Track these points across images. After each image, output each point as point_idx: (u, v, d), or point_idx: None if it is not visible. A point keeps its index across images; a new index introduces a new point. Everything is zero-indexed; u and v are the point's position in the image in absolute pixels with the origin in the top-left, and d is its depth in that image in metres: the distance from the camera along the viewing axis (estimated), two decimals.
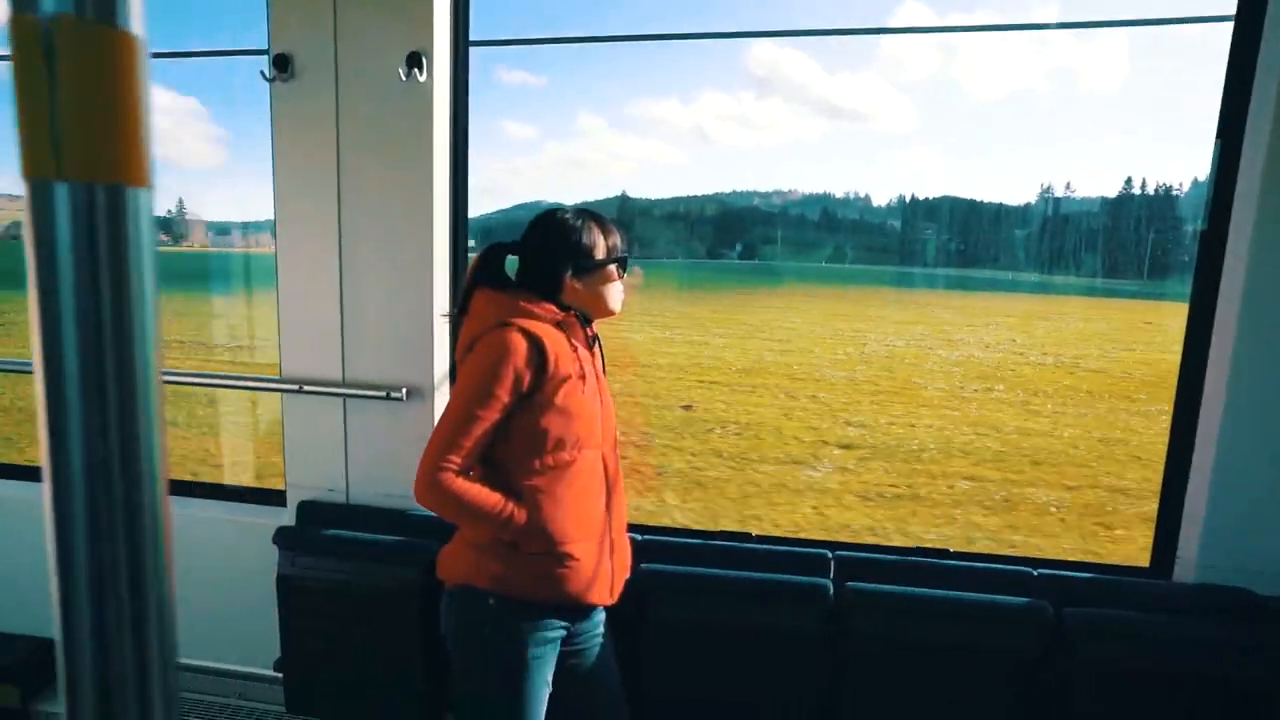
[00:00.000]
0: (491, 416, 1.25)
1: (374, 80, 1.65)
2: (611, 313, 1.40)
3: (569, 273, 1.34)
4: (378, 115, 1.67)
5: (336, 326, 1.75)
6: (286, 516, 1.82)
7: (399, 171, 1.68)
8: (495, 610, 1.29)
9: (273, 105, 1.70)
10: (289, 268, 1.75)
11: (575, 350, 1.33)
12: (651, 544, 1.71)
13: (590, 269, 1.35)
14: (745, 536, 1.75)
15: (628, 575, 1.47)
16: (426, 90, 1.64)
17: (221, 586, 1.88)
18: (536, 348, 1.26)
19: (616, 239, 1.39)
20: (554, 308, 1.33)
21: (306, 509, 1.79)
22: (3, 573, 2.03)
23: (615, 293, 1.39)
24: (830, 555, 1.66)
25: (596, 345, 1.42)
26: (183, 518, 1.90)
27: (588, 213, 1.39)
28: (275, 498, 1.93)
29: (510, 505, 1.27)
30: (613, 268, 1.37)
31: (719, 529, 1.82)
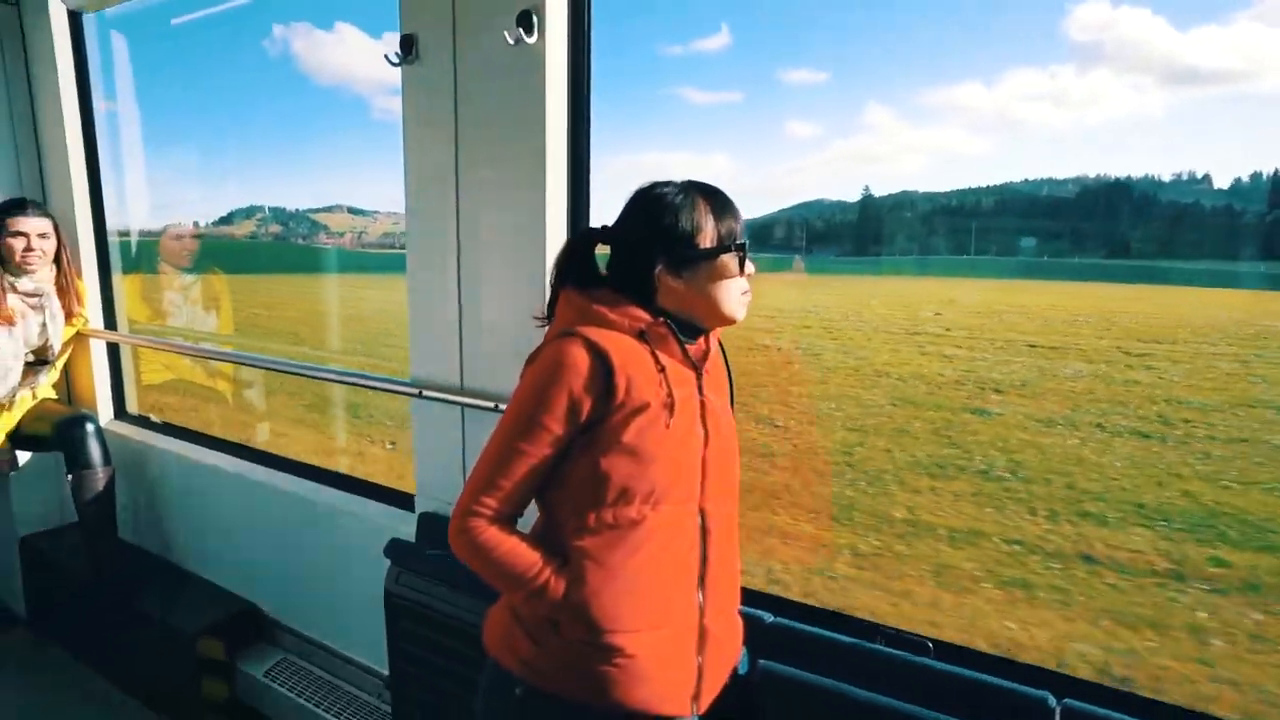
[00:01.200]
0: (539, 452, 0.96)
1: (488, 50, 1.46)
2: (728, 319, 1.03)
3: (661, 265, 1.00)
4: (489, 90, 1.47)
5: (455, 325, 1.61)
6: (412, 522, 1.75)
7: (511, 149, 1.47)
8: (521, 703, 0.99)
9: (403, 92, 1.61)
10: (416, 261, 1.65)
11: (662, 371, 0.98)
12: (784, 632, 1.27)
13: (692, 260, 0.99)
14: (923, 646, 1.22)
15: (728, 677, 1.07)
16: (537, 54, 1.40)
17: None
18: (601, 365, 0.94)
19: (734, 224, 1.01)
20: (641, 312, 0.99)
21: (425, 522, 1.69)
22: (230, 538, 2.30)
23: (731, 293, 1.01)
24: (1053, 703, 1.07)
25: (707, 363, 1.05)
26: (339, 508, 1.95)
27: (697, 187, 1.02)
28: (409, 501, 1.88)
29: (548, 571, 0.97)
30: (727, 259, 1.00)
31: (892, 625, 1.30)
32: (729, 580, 1.09)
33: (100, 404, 2.60)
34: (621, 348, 0.97)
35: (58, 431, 2.23)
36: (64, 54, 2.37)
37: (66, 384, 2.64)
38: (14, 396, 2.27)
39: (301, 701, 1.98)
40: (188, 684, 2.10)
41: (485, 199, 1.52)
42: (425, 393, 1.64)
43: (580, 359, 0.95)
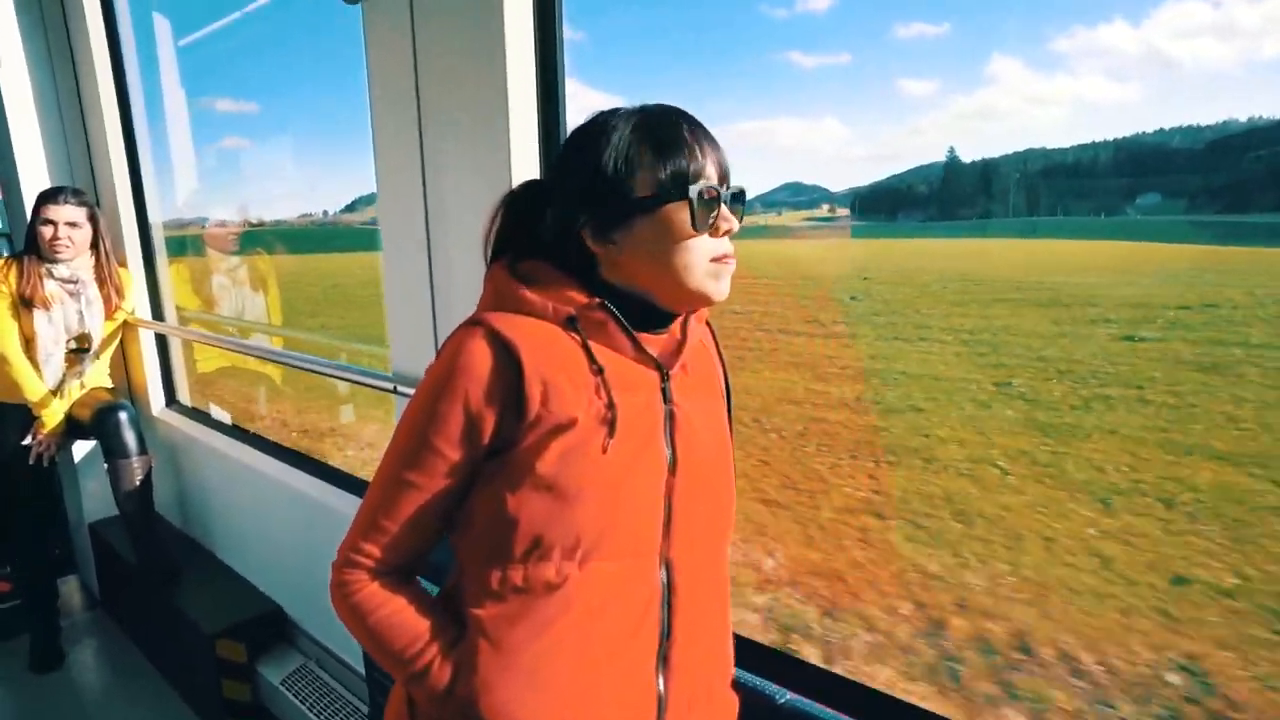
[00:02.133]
0: (431, 484, 0.71)
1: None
2: (695, 296, 0.72)
3: (586, 225, 0.72)
4: (449, 36, 1.21)
5: (428, 312, 1.38)
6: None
7: (473, 105, 1.20)
8: None
9: (365, 41, 1.38)
10: (391, 246, 1.43)
11: (599, 373, 0.70)
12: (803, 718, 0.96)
13: (623, 216, 0.70)
14: None
15: None
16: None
17: None
18: (507, 366, 0.68)
19: (691, 162, 0.70)
20: (575, 292, 0.72)
21: None
22: (263, 537, 2.23)
23: (692, 258, 0.71)
24: None
25: (682, 358, 0.76)
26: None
27: (641, 113, 0.72)
28: None
29: (434, 650, 0.72)
30: (672, 211, 0.69)
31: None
32: (711, 654, 0.80)
33: (151, 393, 2.62)
34: (538, 342, 0.70)
35: (95, 420, 2.23)
36: (98, 37, 2.35)
37: (125, 375, 2.69)
38: (62, 384, 2.30)
39: (313, 716, 1.87)
40: (212, 682, 2.05)
41: (447, 167, 1.26)
42: (400, 389, 1.43)
43: (479, 359, 0.68)
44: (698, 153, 0.70)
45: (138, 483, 2.23)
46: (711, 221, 0.71)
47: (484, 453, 0.70)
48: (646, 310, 0.74)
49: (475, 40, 1.17)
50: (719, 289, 0.72)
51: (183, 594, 2.22)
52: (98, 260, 2.34)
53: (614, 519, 0.69)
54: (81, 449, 2.60)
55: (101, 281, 2.34)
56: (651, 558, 0.72)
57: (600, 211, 0.71)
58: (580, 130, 0.74)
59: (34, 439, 2.21)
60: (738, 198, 0.75)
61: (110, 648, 2.53)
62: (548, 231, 0.76)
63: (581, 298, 0.72)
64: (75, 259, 2.27)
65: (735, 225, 0.73)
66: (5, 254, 2.26)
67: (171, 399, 2.66)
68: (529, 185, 0.80)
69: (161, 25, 2.84)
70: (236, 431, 2.46)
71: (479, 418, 0.69)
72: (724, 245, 0.72)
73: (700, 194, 0.69)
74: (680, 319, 0.78)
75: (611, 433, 0.69)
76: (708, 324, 0.86)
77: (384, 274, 1.44)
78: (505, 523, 0.68)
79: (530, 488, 0.68)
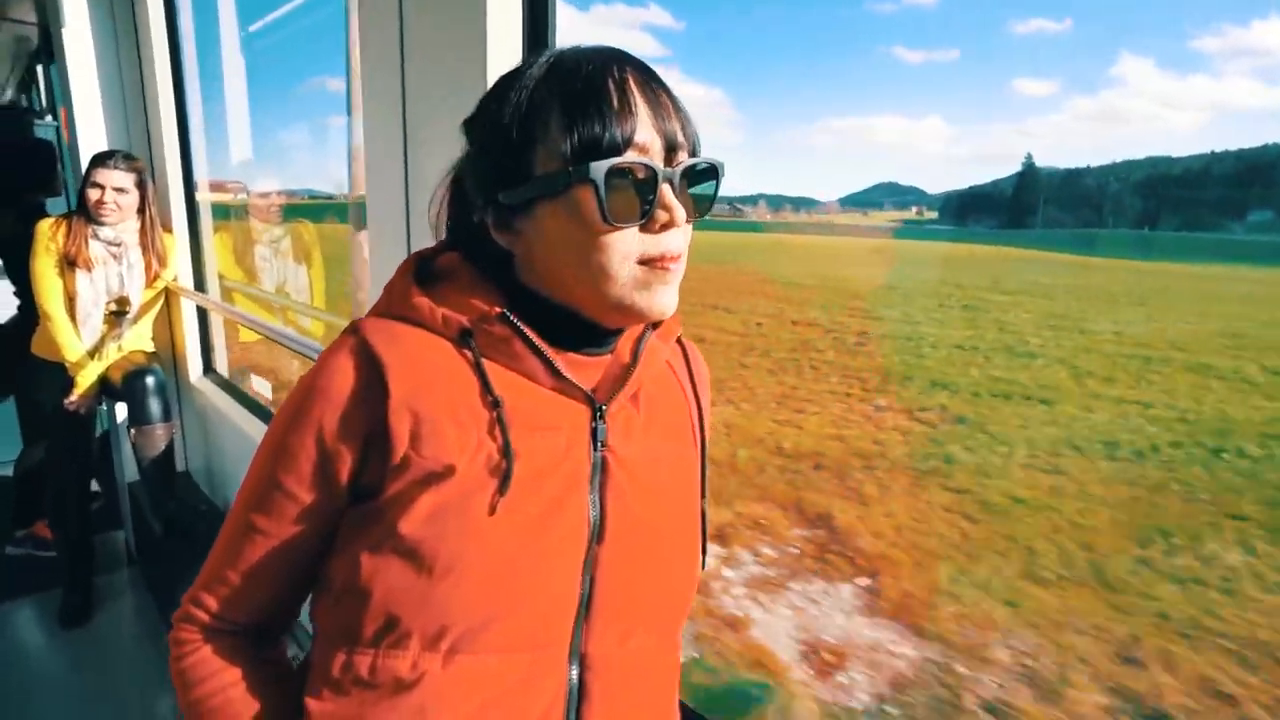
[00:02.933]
0: (279, 531, 0.56)
1: None
2: (624, 310, 0.54)
3: (486, 210, 0.56)
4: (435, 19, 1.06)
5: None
6: None
7: (458, 93, 1.05)
8: None
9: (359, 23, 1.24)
10: (373, 216, 1.30)
11: (494, 406, 0.53)
12: None
13: (524, 200, 0.54)
14: None
15: None
16: None
17: None
18: (372, 389, 0.54)
19: (607, 126, 0.51)
20: (478, 299, 0.57)
21: None
22: None
23: (611, 256, 0.53)
24: None
25: (629, 387, 0.59)
26: None
27: (558, 58, 0.54)
28: None
29: None
30: (581, 195, 0.52)
31: None
32: None
33: (190, 360, 2.64)
34: (418, 361, 0.54)
35: (124, 384, 2.25)
36: (156, 7, 2.36)
37: (170, 338, 2.73)
38: (100, 346, 2.33)
39: None
40: None
41: (432, 148, 1.12)
42: None
43: (339, 378, 0.54)
44: (623, 112, 0.51)
45: (159, 449, 2.23)
46: (646, 210, 0.52)
47: (345, 497, 0.55)
48: (577, 324, 0.56)
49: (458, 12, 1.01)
50: (652, 302, 0.53)
51: (204, 559, 2.21)
52: (143, 226, 2.35)
53: (499, 603, 0.53)
54: (122, 410, 2.66)
55: (145, 247, 2.36)
56: (555, 651, 0.55)
57: (498, 193, 0.54)
58: (497, 81, 0.57)
59: (67, 398, 2.24)
60: (703, 176, 0.55)
61: (137, 606, 2.57)
62: (465, 217, 0.60)
63: (485, 304, 0.55)
64: (120, 223, 2.29)
65: (680, 217, 0.53)
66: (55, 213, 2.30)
67: (209, 367, 2.68)
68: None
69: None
70: (260, 407, 2.44)
71: (334, 454, 0.54)
72: (662, 243, 0.53)
73: (617, 171, 0.50)
74: (632, 335, 0.60)
75: (503, 488, 0.52)
76: (679, 342, 0.67)
77: (370, 255, 1.32)
78: (357, 593, 0.53)
79: (390, 552, 0.52)
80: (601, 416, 0.57)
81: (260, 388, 2.77)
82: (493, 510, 0.52)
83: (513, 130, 0.53)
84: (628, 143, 0.51)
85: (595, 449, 0.57)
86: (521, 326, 0.55)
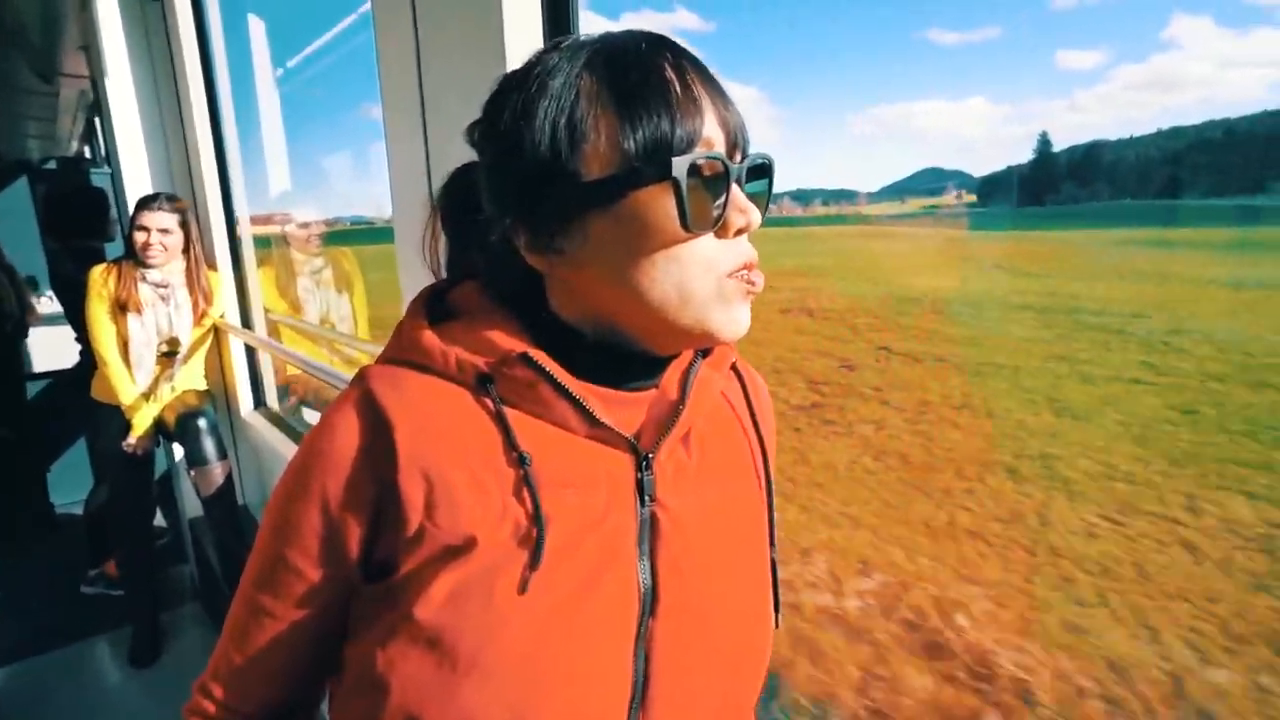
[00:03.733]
0: (287, 613, 0.49)
1: None
2: (699, 334, 0.46)
3: (518, 227, 0.47)
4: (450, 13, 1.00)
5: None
6: None
7: (475, 85, 0.98)
8: None
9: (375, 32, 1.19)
10: (404, 233, 1.24)
11: (521, 463, 0.45)
12: None
13: (569, 212, 0.46)
14: None
15: None
16: None
17: None
18: (376, 448, 0.46)
19: (677, 119, 0.42)
20: (501, 333, 0.49)
21: None
22: None
23: (691, 272, 0.45)
24: None
25: (678, 428, 0.50)
26: None
27: (601, 46, 0.45)
28: None
29: None
30: (650, 198, 0.43)
31: None
32: None
33: (240, 395, 2.66)
34: (430, 414, 0.46)
35: (178, 426, 2.27)
36: (191, 52, 2.39)
37: (222, 377, 2.76)
38: (154, 387, 2.36)
39: None
40: None
41: (451, 146, 1.05)
42: None
43: (342, 438, 0.46)
44: (690, 104, 0.43)
45: (217, 488, 2.25)
46: (718, 215, 0.44)
47: (356, 573, 0.48)
48: (618, 355, 0.48)
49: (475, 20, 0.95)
50: (731, 322, 0.45)
51: None
52: (188, 265, 2.38)
53: (537, 699, 0.44)
54: (179, 450, 2.70)
55: (191, 286, 2.38)
56: None
57: (535, 206, 0.46)
58: (509, 77, 0.48)
59: (126, 441, 2.28)
60: (758, 174, 0.47)
61: (203, 641, 2.60)
62: (480, 240, 0.52)
63: (506, 343, 0.47)
64: (167, 264, 2.32)
65: (756, 220, 0.45)
66: (107, 259, 2.34)
67: (260, 401, 2.70)
68: (463, 172, 0.55)
69: (256, 36, 2.90)
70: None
71: (340, 525, 0.46)
72: (742, 251, 0.46)
73: (694, 169, 0.42)
74: (679, 365, 0.51)
75: (534, 561, 0.44)
76: (734, 369, 0.58)
77: (402, 282, 1.26)
78: (372, 687, 0.45)
79: (407, 640, 0.44)
80: (648, 466, 0.48)
81: (312, 419, 2.78)
82: (523, 588, 0.44)
83: (548, 132, 0.44)
84: (692, 138, 0.43)
85: (642, 504, 0.48)
86: (548, 367, 0.46)
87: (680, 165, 0.42)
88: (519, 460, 0.45)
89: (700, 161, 0.43)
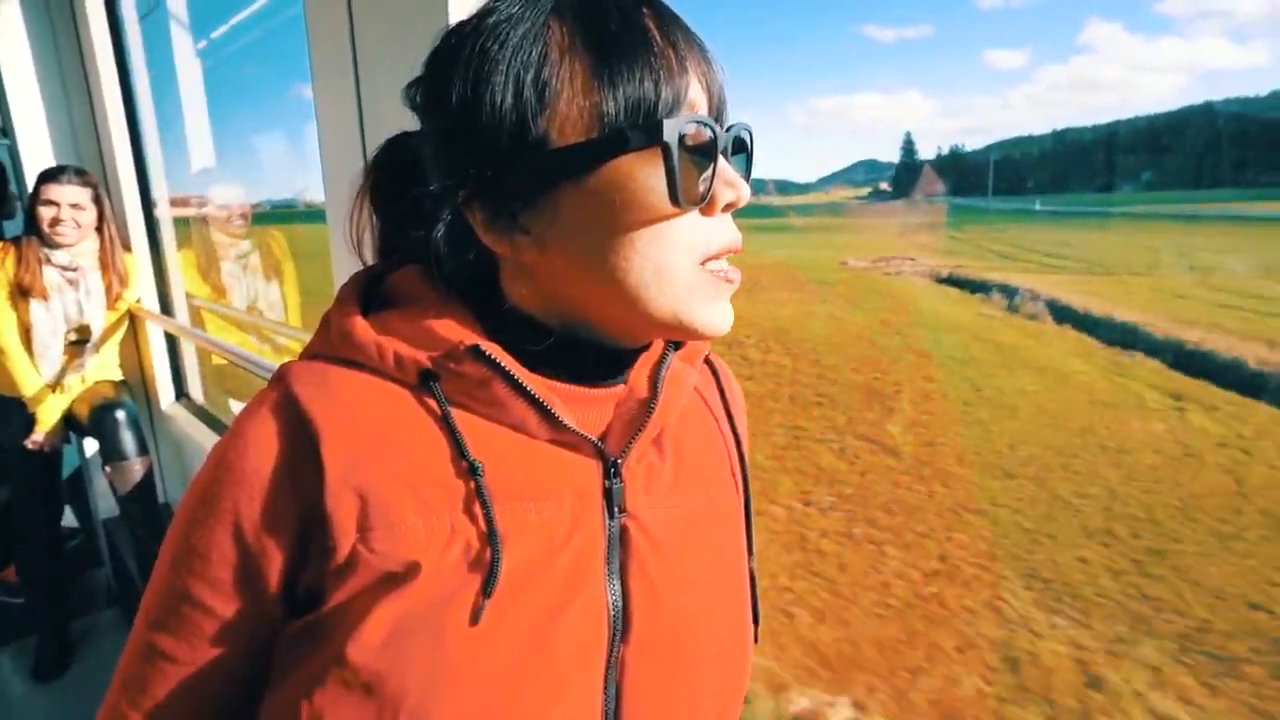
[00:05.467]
0: (191, 656, 0.43)
1: None
2: (680, 326, 0.41)
3: (471, 200, 0.40)
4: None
5: None
6: None
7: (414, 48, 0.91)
8: None
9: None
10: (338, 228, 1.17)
11: (471, 473, 0.39)
12: None
13: (535, 184, 0.40)
14: None
15: None
16: None
17: None
18: (298, 461, 0.40)
19: (661, 78, 0.37)
20: (446, 325, 0.42)
21: None
22: None
23: (672, 256, 0.40)
24: None
25: (650, 427, 0.44)
26: None
27: (565, 4, 0.38)
28: None
29: None
30: (631, 166, 0.39)
31: None
32: None
33: (160, 386, 2.49)
34: (363, 420, 0.40)
35: (92, 420, 2.11)
36: (98, 14, 2.19)
37: (138, 364, 2.57)
38: (61, 378, 2.18)
39: None
40: None
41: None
42: None
43: (256, 450, 0.40)
44: (675, 61, 0.39)
45: (136, 485, 2.09)
46: (706, 189, 0.39)
47: (278, 608, 0.42)
48: (581, 349, 0.43)
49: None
50: (714, 315, 0.41)
51: None
52: (102, 245, 2.20)
53: None
54: (92, 445, 2.51)
55: (105, 268, 2.21)
56: None
57: (496, 179, 0.40)
58: (458, 28, 0.43)
59: (31, 437, 2.09)
60: (739, 149, 0.43)
61: (119, 652, 2.43)
62: (425, 219, 0.45)
63: (454, 334, 0.41)
64: (79, 243, 2.14)
65: (745, 194, 0.41)
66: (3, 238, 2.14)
67: (182, 393, 2.53)
68: (399, 140, 0.49)
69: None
70: None
71: (256, 551, 0.40)
72: (728, 231, 0.41)
73: (683, 137, 0.38)
74: (649, 358, 0.47)
75: (488, 588, 0.39)
76: (708, 361, 0.54)
77: (334, 268, 1.17)
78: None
79: (339, 686, 0.38)
80: (616, 473, 0.44)
81: (240, 409, 2.63)
82: (475, 619, 0.39)
83: (516, 88, 0.39)
84: (677, 99, 0.38)
85: (611, 516, 0.43)
86: (502, 362, 0.41)
87: (671, 129, 0.37)
88: (470, 470, 0.40)
89: (688, 127, 0.38)
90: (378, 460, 0.40)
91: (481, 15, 0.41)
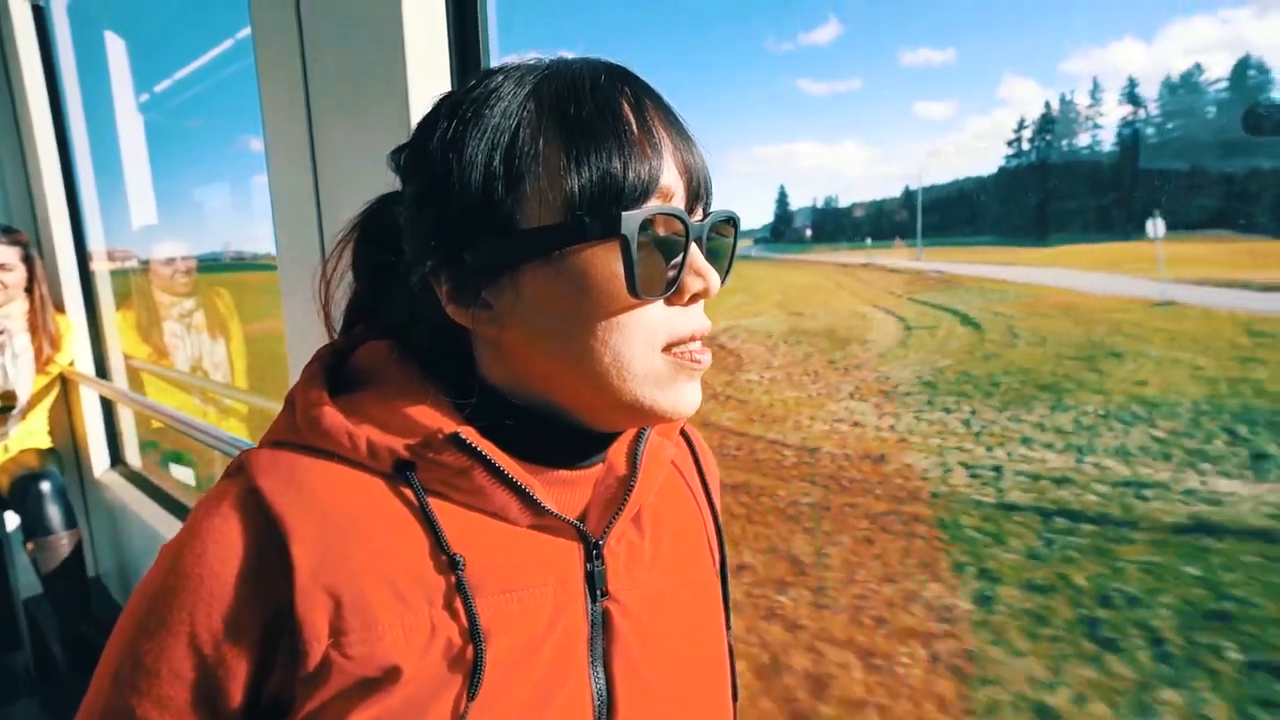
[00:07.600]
0: None
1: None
2: (643, 411, 0.40)
3: (441, 278, 0.39)
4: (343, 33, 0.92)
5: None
6: None
7: (368, 86, 0.91)
8: None
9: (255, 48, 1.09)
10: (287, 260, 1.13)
11: (453, 567, 0.37)
12: None
13: (501, 263, 0.40)
14: None
15: None
16: None
17: None
18: (263, 563, 0.37)
19: (630, 161, 0.36)
20: (422, 410, 0.40)
21: None
22: None
23: (632, 344, 0.39)
24: None
25: (630, 506, 0.43)
26: None
27: (549, 74, 0.38)
28: None
29: None
30: (597, 255, 0.38)
31: None
32: None
33: (93, 453, 2.35)
34: (334, 515, 0.38)
35: (13, 492, 1.97)
36: (30, 57, 2.13)
37: (70, 430, 2.43)
38: None
39: None
40: None
41: (343, 178, 0.97)
42: None
43: (218, 552, 0.37)
44: (648, 146, 0.38)
45: (62, 561, 1.95)
46: (673, 279, 0.39)
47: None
48: (558, 430, 0.42)
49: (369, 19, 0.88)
50: (678, 400, 0.40)
51: None
52: (31, 306, 2.10)
53: None
54: (14, 519, 2.34)
55: (34, 330, 2.10)
56: None
57: (461, 251, 0.39)
58: (442, 103, 0.42)
59: None
60: (720, 228, 0.43)
61: None
62: (398, 288, 0.45)
63: (431, 420, 0.40)
64: (5, 305, 2.03)
65: (714, 286, 0.41)
66: None
67: (117, 459, 2.39)
68: (385, 202, 0.48)
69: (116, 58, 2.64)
70: (177, 503, 2.17)
71: (215, 667, 0.37)
72: (691, 320, 0.40)
73: (647, 225, 0.37)
74: (627, 434, 0.46)
75: (473, 689, 0.37)
76: (684, 434, 0.53)
77: (288, 335, 1.13)
78: None
79: None
80: (598, 554, 0.42)
81: (183, 476, 2.49)
82: (462, 715, 0.37)
83: (486, 163, 0.38)
84: (646, 184, 0.38)
85: (593, 600, 0.42)
86: (483, 449, 0.39)
87: (631, 222, 0.37)
88: (450, 564, 0.38)
89: (655, 216, 0.38)
90: (351, 556, 0.37)
91: (470, 87, 0.41)
